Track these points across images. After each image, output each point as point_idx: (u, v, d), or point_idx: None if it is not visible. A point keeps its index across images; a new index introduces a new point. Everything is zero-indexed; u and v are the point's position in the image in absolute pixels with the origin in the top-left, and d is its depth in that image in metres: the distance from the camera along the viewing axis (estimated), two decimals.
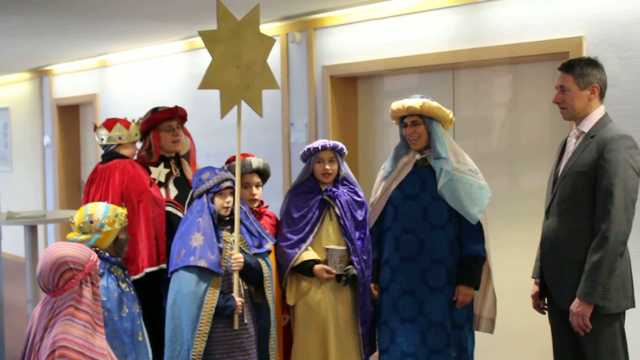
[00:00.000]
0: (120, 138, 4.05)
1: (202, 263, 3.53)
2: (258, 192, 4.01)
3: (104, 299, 3.18)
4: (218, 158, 5.86)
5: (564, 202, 3.30)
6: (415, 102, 3.83)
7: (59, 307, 2.71)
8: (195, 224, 3.63)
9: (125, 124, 4.08)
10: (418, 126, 3.86)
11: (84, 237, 3.26)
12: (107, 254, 3.31)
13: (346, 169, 4.07)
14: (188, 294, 3.53)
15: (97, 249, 3.28)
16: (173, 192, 4.17)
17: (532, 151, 4.88)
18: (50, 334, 2.67)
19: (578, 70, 3.30)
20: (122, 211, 3.38)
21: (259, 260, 3.72)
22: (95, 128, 4.15)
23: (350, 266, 3.89)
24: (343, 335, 3.91)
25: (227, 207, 3.70)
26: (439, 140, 3.81)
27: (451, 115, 3.90)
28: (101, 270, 3.25)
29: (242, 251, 3.69)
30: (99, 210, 3.31)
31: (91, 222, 3.27)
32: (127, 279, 3.42)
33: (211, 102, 6.71)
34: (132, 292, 3.41)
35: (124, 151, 4.06)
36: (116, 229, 3.32)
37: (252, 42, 3.72)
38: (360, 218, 3.97)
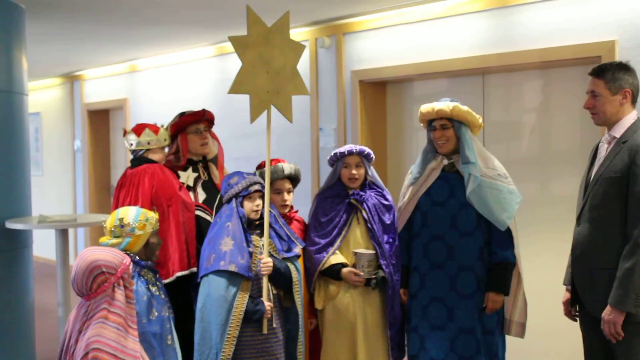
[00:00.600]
0: (149, 143, 4.09)
1: (233, 267, 3.55)
2: (289, 198, 4.03)
3: (133, 301, 3.21)
4: (247, 163, 5.91)
5: (595, 208, 3.27)
6: (445, 105, 3.81)
7: (93, 310, 2.75)
8: (225, 229, 3.66)
9: (154, 129, 4.12)
10: (447, 130, 3.84)
11: (115, 240, 3.30)
12: (137, 258, 3.34)
13: (373, 174, 4.06)
14: (217, 298, 3.55)
15: (128, 252, 3.31)
16: (201, 196, 4.20)
17: (563, 156, 4.85)
18: (84, 337, 2.71)
19: (609, 75, 3.28)
20: (153, 215, 3.41)
21: (288, 264, 3.73)
22: (125, 133, 4.20)
23: (379, 270, 3.89)
24: (372, 338, 3.91)
25: (256, 211, 3.72)
26: (468, 145, 3.80)
27: (480, 120, 3.89)
28: (132, 273, 3.29)
29: (271, 255, 3.71)
30: (130, 214, 3.34)
31: (122, 226, 3.30)
32: (157, 282, 3.44)
33: (240, 107, 6.75)
34: (163, 296, 3.43)
35: (153, 156, 4.10)
36: (147, 233, 3.35)
37: (282, 48, 3.74)
38: (388, 222, 3.97)
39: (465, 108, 3.82)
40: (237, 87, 3.65)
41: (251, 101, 3.67)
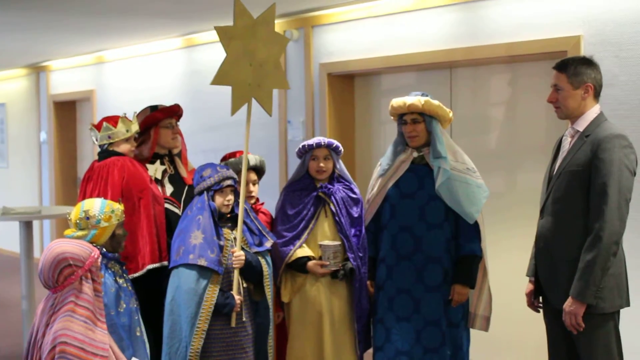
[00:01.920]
0: (109, 137, 4.03)
1: (202, 262, 3.55)
2: (255, 189, 4.03)
3: (102, 293, 3.19)
4: (215, 154, 5.89)
5: (558, 201, 3.32)
6: (417, 99, 3.83)
7: (60, 303, 2.74)
8: (195, 222, 3.64)
9: (113, 122, 4.05)
10: (418, 124, 3.86)
11: (80, 233, 3.28)
12: (104, 250, 3.33)
13: (341, 167, 4.07)
14: (187, 290, 3.55)
15: (94, 244, 3.28)
16: (169, 189, 4.19)
17: (529, 150, 4.90)
18: (51, 330, 2.70)
19: (572, 69, 3.31)
20: (119, 207, 3.39)
21: (259, 258, 3.73)
22: (98, 129, 4.15)
23: (347, 261, 3.90)
24: (339, 331, 3.92)
25: (227, 205, 3.71)
26: (439, 139, 3.82)
27: (451, 114, 3.91)
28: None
29: (242, 249, 3.70)
30: (95, 206, 3.32)
31: (87, 217, 3.28)
32: (124, 275, 3.43)
33: (208, 99, 6.73)
34: (130, 288, 3.42)
35: (119, 148, 4.05)
36: (113, 225, 3.33)
37: (267, 40, 3.73)
38: (355, 215, 3.98)
39: (436, 103, 3.84)
40: (220, 79, 3.63)
41: (233, 93, 3.66)
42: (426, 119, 3.85)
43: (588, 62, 3.34)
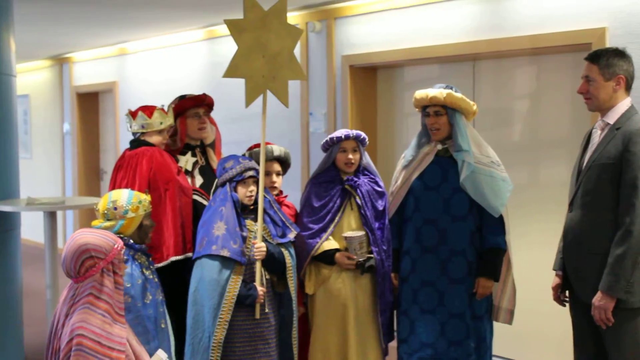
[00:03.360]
0: (142, 127, 4.04)
1: (225, 252, 3.53)
2: (278, 181, 4.00)
3: (128, 285, 3.18)
4: (237, 147, 5.85)
5: (588, 194, 3.27)
6: (439, 92, 3.79)
7: (80, 294, 2.72)
8: (218, 213, 3.63)
9: (148, 112, 4.05)
10: (440, 117, 3.83)
11: (108, 223, 3.26)
12: (131, 241, 3.31)
13: (367, 159, 4.05)
14: (210, 281, 3.54)
15: (121, 235, 3.28)
16: (199, 180, 4.17)
17: (554, 143, 4.85)
18: (70, 322, 2.68)
19: (604, 60, 3.26)
20: (146, 197, 3.38)
21: (282, 250, 3.71)
22: (133, 117, 4.13)
23: (370, 255, 3.87)
24: (363, 323, 3.90)
25: (250, 197, 3.69)
26: (461, 132, 3.78)
27: (475, 107, 3.88)
28: (125, 257, 3.24)
29: (265, 241, 3.69)
30: (123, 196, 3.31)
31: (115, 208, 3.27)
32: (150, 266, 3.42)
33: (230, 91, 6.70)
34: (156, 280, 3.41)
35: (150, 139, 4.05)
36: (140, 215, 3.31)
37: (279, 32, 3.70)
38: (380, 208, 3.95)
39: (459, 95, 3.80)
40: (232, 71, 3.61)
41: (246, 85, 3.63)
42: (449, 111, 3.81)
43: (620, 54, 3.28)
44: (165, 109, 4.11)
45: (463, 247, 3.78)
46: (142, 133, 4.05)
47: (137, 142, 4.05)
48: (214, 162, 4.26)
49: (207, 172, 4.22)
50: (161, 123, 4.05)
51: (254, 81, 3.66)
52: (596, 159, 3.25)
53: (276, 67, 3.71)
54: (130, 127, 4.09)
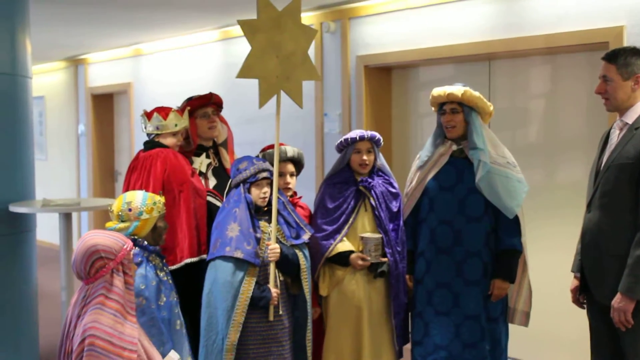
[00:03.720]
0: (157, 128, 4.05)
1: (238, 254, 3.53)
2: (292, 182, 4.00)
3: (142, 287, 3.19)
4: (252, 148, 5.85)
5: (606, 195, 3.23)
6: (456, 89, 3.80)
7: (91, 295, 2.73)
8: (232, 214, 3.63)
9: (164, 114, 4.05)
10: (456, 114, 3.82)
11: (122, 225, 3.27)
12: (145, 242, 3.32)
13: (381, 160, 4.04)
14: (224, 283, 3.54)
15: (136, 237, 3.29)
16: (212, 181, 4.17)
17: (570, 143, 4.82)
18: (82, 323, 2.69)
19: (622, 60, 3.22)
20: (160, 199, 3.38)
21: (296, 251, 3.71)
22: (148, 118, 4.14)
23: (385, 259, 3.86)
24: (377, 325, 3.89)
25: (264, 198, 3.69)
26: (477, 130, 3.77)
27: (491, 108, 3.87)
28: (139, 259, 3.26)
29: (279, 242, 3.68)
30: (138, 198, 3.31)
31: (130, 209, 3.28)
32: (165, 268, 3.42)
33: (246, 92, 6.71)
34: (170, 281, 3.41)
35: (165, 141, 4.05)
36: (154, 217, 3.32)
37: (293, 32, 3.70)
38: (394, 209, 3.94)
39: (476, 94, 3.80)
40: (246, 72, 3.61)
41: (260, 86, 3.64)
42: (465, 109, 3.81)
43: (638, 53, 3.24)
44: (185, 112, 4.11)
45: (478, 248, 3.76)
46: (157, 134, 4.06)
47: (152, 144, 4.06)
48: (227, 163, 4.27)
49: (221, 173, 4.22)
50: (176, 125, 4.06)
51: (267, 82, 3.66)
52: (615, 159, 3.22)
53: (290, 67, 3.71)
54: (145, 127, 4.10)
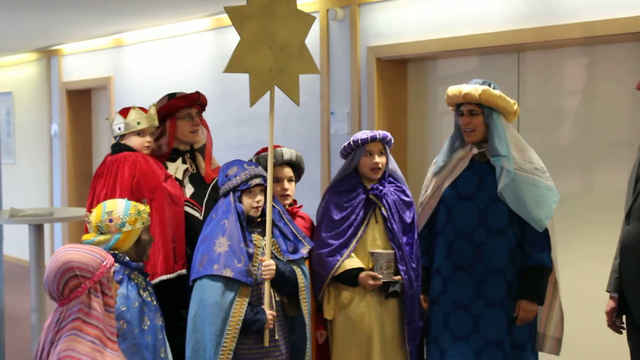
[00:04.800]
0: (120, 129, 4.07)
1: (228, 273, 3.55)
2: (290, 188, 4.02)
3: (124, 308, 3.21)
4: (248, 151, 5.91)
5: None
6: (473, 88, 3.83)
7: (66, 318, 2.71)
8: (220, 227, 3.65)
9: (125, 112, 4.09)
10: (475, 117, 3.87)
11: (102, 237, 3.29)
12: (127, 258, 3.34)
13: (393, 164, 4.08)
14: (212, 305, 3.56)
15: (117, 252, 3.31)
16: (189, 189, 4.19)
17: (610, 145, 4.83)
18: (55, 350, 2.67)
19: None
20: (145, 208, 3.41)
21: (294, 267, 3.73)
22: (112, 119, 4.18)
23: (398, 277, 3.90)
24: (389, 353, 3.92)
25: (257, 207, 3.70)
26: (499, 134, 3.81)
27: (515, 106, 3.90)
28: (120, 277, 3.28)
29: (274, 257, 3.71)
30: (120, 207, 3.34)
31: (110, 220, 3.30)
32: (148, 287, 3.44)
33: (241, 87, 6.76)
34: (155, 302, 3.43)
35: (129, 142, 4.08)
36: (138, 229, 3.35)
37: (288, 20, 3.72)
38: (408, 220, 3.99)
39: (497, 92, 3.83)
40: (234, 65, 3.63)
41: (251, 81, 3.66)
42: (485, 110, 3.85)
43: None
44: (152, 108, 4.14)
45: (502, 265, 3.80)
46: (122, 136, 4.10)
47: (118, 147, 4.09)
48: (202, 170, 4.27)
49: (198, 180, 4.24)
50: (139, 123, 4.06)
51: (259, 76, 3.67)
52: None
53: (285, 59, 3.73)
54: (121, 127, 4.10)
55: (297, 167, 4.08)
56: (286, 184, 4.00)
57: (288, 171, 4.02)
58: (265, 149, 4.02)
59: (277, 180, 3.96)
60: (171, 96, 4.29)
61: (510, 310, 3.81)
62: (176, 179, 4.16)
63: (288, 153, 4.02)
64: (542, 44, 4.97)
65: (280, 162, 3.97)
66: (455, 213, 3.89)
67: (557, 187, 3.91)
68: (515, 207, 3.79)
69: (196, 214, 4.11)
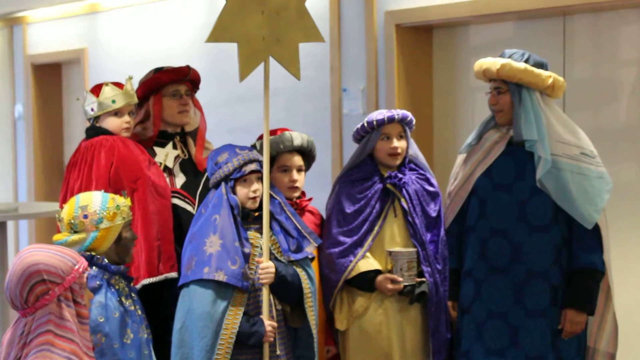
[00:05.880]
0: (92, 110, 4.08)
1: (220, 276, 3.56)
2: (300, 179, 4.03)
3: (101, 319, 3.22)
4: (246, 134, 5.92)
5: None
6: (492, 62, 3.87)
7: (33, 331, 2.70)
8: (211, 223, 3.66)
9: (97, 90, 4.09)
10: (502, 95, 3.90)
11: (76, 237, 3.30)
12: (105, 260, 3.34)
13: (415, 149, 4.10)
14: (201, 315, 3.57)
15: (93, 253, 3.31)
16: (180, 179, 4.22)
17: None
18: None
19: None
20: (125, 202, 3.41)
21: (297, 270, 3.73)
22: (83, 99, 4.18)
23: (422, 278, 3.91)
24: None
25: (254, 198, 3.70)
26: (527, 115, 3.82)
27: (550, 80, 3.89)
28: (98, 282, 3.28)
29: (274, 258, 3.72)
30: (95, 200, 3.35)
31: (85, 216, 3.30)
32: (132, 294, 3.44)
33: (235, 61, 6.77)
34: (139, 312, 3.44)
35: (105, 124, 4.09)
36: (118, 225, 3.36)
37: None
38: (433, 214, 4.00)
39: (520, 66, 3.83)
40: (219, 33, 3.61)
41: (240, 51, 3.64)
42: (511, 87, 3.86)
43: None
44: (135, 82, 4.14)
45: (545, 267, 3.81)
46: (97, 118, 4.11)
47: (94, 130, 4.10)
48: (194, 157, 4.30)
49: (190, 168, 4.27)
50: (114, 101, 4.07)
51: (250, 45, 3.66)
52: None
53: (281, 26, 3.72)
54: (94, 108, 4.11)
55: (308, 155, 4.09)
56: (295, 174, 4.01)
57: (298, 159, 4.03)
58: (272, 132, 3.98)
59: (285, 169, 3.98)
60: (157, 70, 4.30)
61: (554, 320, 3.82)
62: (166, 167, 4.18)
63: (298, 138, 4.01)
64: (591, 5, 4.94)
65: (289, 149, 3.97)
66: (490, 206, 3.90)
67: (609, 174, 3.90)
68: (559, 200, 3.80)
69: (188, 207, 4.13)
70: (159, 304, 3.94)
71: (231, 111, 6.85)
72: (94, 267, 3.30)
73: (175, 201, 4.12)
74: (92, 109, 4.09)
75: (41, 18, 9.32)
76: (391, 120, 3.97)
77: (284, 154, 3.96)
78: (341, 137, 6.15)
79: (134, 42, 8.13)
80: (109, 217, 3.34)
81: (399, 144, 4.00)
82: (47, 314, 2.69)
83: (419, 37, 5.93)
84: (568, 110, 5.00)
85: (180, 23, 7.57)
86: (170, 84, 4.23)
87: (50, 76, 9.65)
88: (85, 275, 2.84)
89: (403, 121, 4.00)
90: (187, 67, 4.30)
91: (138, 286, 3.85)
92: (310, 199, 4.19)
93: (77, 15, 8.84)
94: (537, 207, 3.83)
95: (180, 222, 4.05)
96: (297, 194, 4.05)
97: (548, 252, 3.81)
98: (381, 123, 3.98)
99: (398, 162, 4.03)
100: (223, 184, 3.72)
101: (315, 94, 6.22)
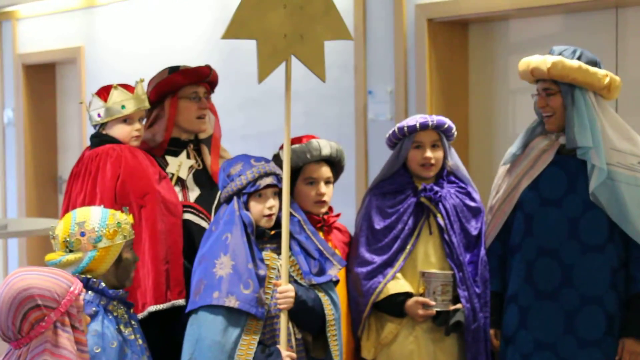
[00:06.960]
0: (99, 115, 4.06)
1: (231, 302, 3.55)
2: (328, 192, 4.01)
3: (97, 350, 3.20)
4: (258, 142, 5.93)
5: None
6: (541, 60, 3.84)
7: None
8: (222, 243, 3.66)
9: (105, 94, 4.06)
10: (553, 97, 3.88)
11: (71, 256, 3.28)
12: (102, 284, 3.32)
13: (455, 159, 4.10)
14: (211, 345, 3.56)
15: (89, 276, 3.30)
16: (194, 192, 4.20)
17: None
18: None
19: None
20: (127, 218, 3.41)
21: (320, 294, 3.74)
22: (89, 103, 4.16)
23: (458, 305, 3.90)
24: None
25: (269, 216, 3.70)
26: (581, 119, 3.80)
27: (606, 80, 3.87)
28: (94, 308, 3.27)
29: (293, 281, 3.71)
30: (94, 216, 3.34)
31: (82, 233, 3.30)
32: (132, 322, 3.43)
33: (251, 60, 6.77)
34: (140, 341, 3.43)
35: (112, 132, 4.07)
36: (118, 245, 3.35)
37: None
38: (474, 232, 4.00)
39: (574, 64, 3.81)
40: (236, 29, 3.63)
41: (259, 50, 3.65)
42: (563, 89, 3.84)
43: None
44: (145, 85, 4.13)
45: (600, 292, 3.79)
46: (103, 125, 4.09)
47: (99, 139, 4.09)
48: (209, 167, 4.28)
49: (204, 179, 4.25)
50: (124, 107, 4.05)
51: (271, 43, 3.66)
52: None
53: (305, 22, 3.72)
54: (101, 114, 4.08)
55: (337, 165, 4.09)
56: (323, 187, 3.99)
57: (326, 170, 4.01)
58: (294, 140, 3.98)
59: (311, 182, 3.97)
60: (173, 70, 4.26)
61: (611, 351, 3.80)
62: (179, 179, 4.17)
63: (327, 147, 4.00)
64: None
65: (316, 159, 3.95)
66: (537, 222, 3.88)
67: None
68: (613, 215, 3.78)
69: (203, 223, 4.11)
70: (165, 333, 3.93)
71: (244, 116, 6.86)
72: (89, 292, 3.29)
73: (189, 216, 4.10)
74: (99, 115, 4.07)
75: (33, 13, 9.39)
76: (424, 127, 3.97)
77: (311, 165, 3.95)
78: (366, 145, 6.15)
79: (135, 40, 8.17)
80: (109, 235, 3.33)
81: (432, 153, 3.99)
82: (42, 342, 2.69)
83: (454, 33, 5.95)
84: (621, 113, 4.97)
85: (188, 18, 7.61)
86: (188, 86, 4.20)
87: (42, 77, 9.71)
88: (82, 297, 2.84)
89: (439, 128, 3.99)
90: (208, 67, 4.29)
91: (145, 313, 3.84)
92: (338, 215, 4.18)
93: (72, 10, 8.89)
94: (591, 224, 3.81)
95: (194, 240, 4.01)
96: (324, 209, 4.05)
97: (603, 275, 3.80)
98: (412, 130, 3.98)
99: (432, 173, 4.02)
100: (235, 198, 3.72)
101: (337, 97, 6.23)
